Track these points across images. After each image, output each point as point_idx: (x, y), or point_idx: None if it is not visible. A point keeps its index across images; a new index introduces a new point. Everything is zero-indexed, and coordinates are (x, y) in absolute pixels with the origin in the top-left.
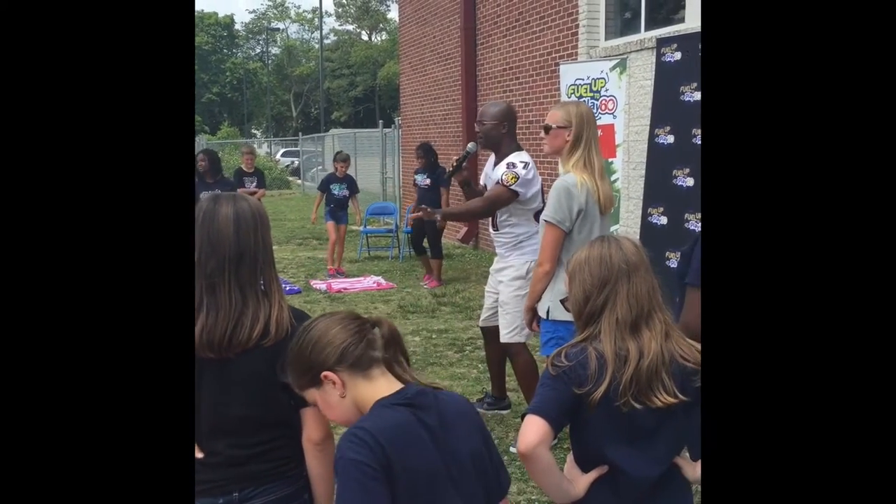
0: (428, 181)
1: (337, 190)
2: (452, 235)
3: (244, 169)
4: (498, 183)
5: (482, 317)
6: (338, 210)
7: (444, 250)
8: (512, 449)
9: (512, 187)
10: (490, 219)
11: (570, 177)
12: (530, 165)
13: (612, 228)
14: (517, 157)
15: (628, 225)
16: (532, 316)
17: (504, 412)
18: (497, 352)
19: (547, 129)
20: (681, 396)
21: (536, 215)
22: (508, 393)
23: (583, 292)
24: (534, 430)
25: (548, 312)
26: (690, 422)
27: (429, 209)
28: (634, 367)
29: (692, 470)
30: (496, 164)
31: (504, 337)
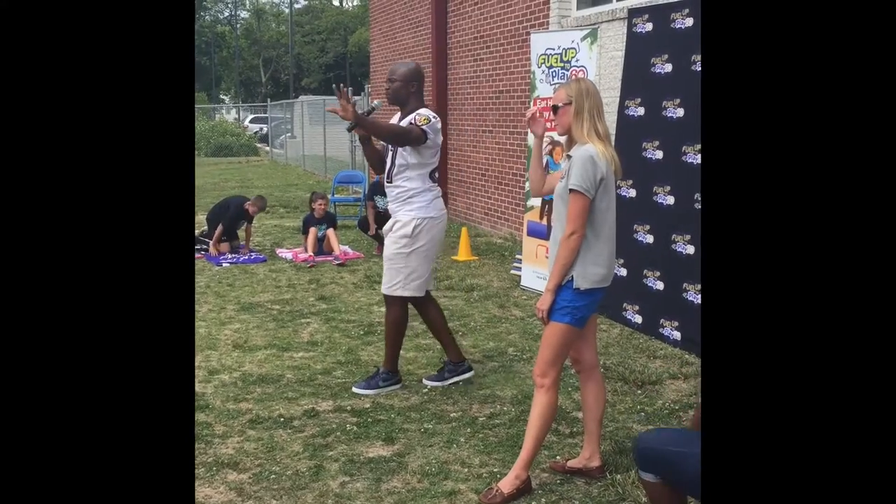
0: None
1: (319, 229)
2: None
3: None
4: (410, 124)
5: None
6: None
7: None
8: (356, 390)
9: (423, 127)
10: (387, 170)
11: (591, 147)
12: (438, 119)
13: None
14: (424, 110)
15: None
16: (553, 297)
17: (467, 374)
18: (434, 317)
19: (555, 109)
20: None
21: (431, 174)
22: (493, 357)
23: None
24: None
25: (572, 280)
26: None
27: (351, 108)
28: None
29: None
30: (401, 119)
31: (385, 289)
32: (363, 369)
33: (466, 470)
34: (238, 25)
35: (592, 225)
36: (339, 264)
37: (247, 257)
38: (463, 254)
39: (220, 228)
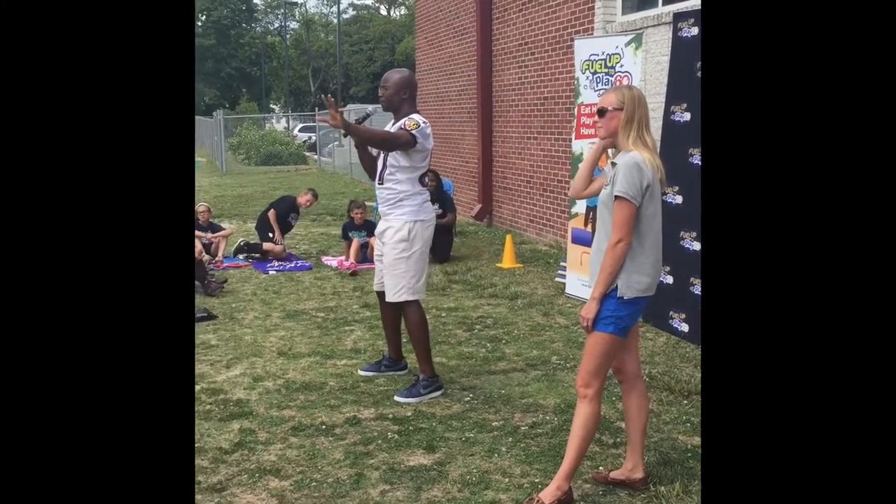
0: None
1: (359, 237)
2: (466, 213)
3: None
4: (400, 128)
5: (376, 281)
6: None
7: (457, 227)
8: (398, 399)
9: (412, 131)
10: (378, 173)
11: (637, 154)
12: (428, 123)
13: None
14: (415, 115)
15: None
16: (599, 306)
17: (401, 373)
18: (392, 315)
19: (602, 112)
20: None
21: (421, 178)
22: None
23: None
24: None
25: (616, 289)
26: None
27: (339, 116)
28: None
29: None
30: (393, 125)
31: (391, 297)
32: (405, 377)
33: (507, 480)
34: (288, 36)
35: (638, 233)
36: None
37: (293, 265)
38: (507, 261)
39: (272, 212)
